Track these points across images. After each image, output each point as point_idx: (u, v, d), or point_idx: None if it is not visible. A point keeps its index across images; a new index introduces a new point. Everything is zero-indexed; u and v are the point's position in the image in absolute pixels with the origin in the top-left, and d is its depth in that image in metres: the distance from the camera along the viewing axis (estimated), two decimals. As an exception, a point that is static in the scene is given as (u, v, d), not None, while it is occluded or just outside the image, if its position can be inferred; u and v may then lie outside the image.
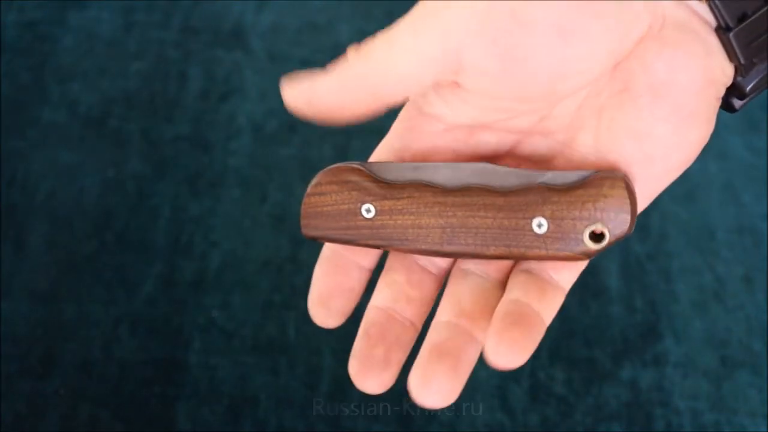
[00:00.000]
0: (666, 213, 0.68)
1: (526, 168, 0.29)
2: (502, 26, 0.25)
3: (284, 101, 0.27)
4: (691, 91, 0.26)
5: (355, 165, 0.29)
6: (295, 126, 0.72)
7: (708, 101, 0.26)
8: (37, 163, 0.69)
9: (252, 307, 0.63)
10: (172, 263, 0.64)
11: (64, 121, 0.72)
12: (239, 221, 0.67)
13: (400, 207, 0.28)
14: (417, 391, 0.27)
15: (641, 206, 0.28)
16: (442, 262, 0.30)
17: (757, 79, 0.26)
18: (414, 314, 0.29)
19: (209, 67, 0.75)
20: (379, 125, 0.31)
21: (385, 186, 0.28)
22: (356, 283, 0.30)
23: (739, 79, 0.26)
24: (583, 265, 0.29)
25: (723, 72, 0.26)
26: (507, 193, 0.27)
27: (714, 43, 0.26)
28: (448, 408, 0.59)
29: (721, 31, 0.25)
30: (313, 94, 0.26)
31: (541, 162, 0.29)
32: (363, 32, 0.84)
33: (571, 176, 0.27)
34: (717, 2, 0.25)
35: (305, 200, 0.29)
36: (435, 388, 0.27)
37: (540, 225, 0.27)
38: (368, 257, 0.30)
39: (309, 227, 0.29)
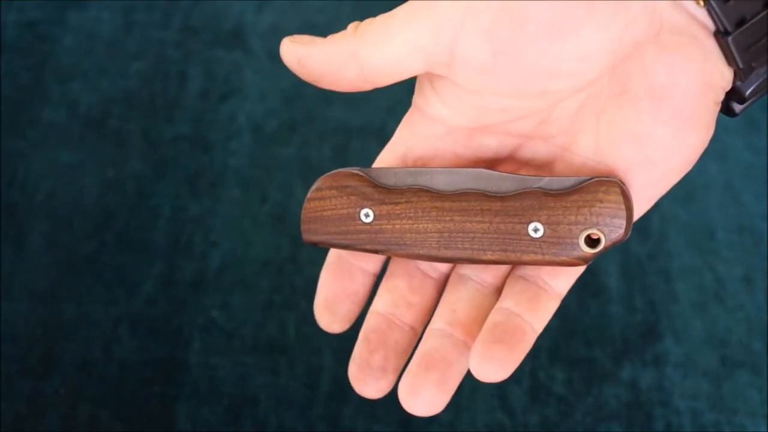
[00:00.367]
0: (666, 213, 0.68)
1: (527, 172, 0.29)
2: (494, 21, 0.25)
3: (281, 55, 0.28)
4: (690, 94, 0.26)
5: (354, 170, 0.29)
6: (295, 126, 0.72)
7: (707, 105, 0.26)
8: (37, 163, 0.69)
9: (252, 307, 0.63)
10: (172, 263, 0.64)
11: (64, 121, 0.72)
12: (239, 221, 0.67)
13: (398, 212, 0.28)
14: (405, 400, 0.28)
15: (641, 209, 0.28)
16: (443, 267, 0.30)
17: (756, 84, 0.26)
18: (414, 320, 0.30)
19: (209, 67, 0.75)
20: (378, 126, 0.31)
21: (383, 191, 0.28)
22: (361, 287, 0.30)
23: (738, 83, 0.27)
24: (579, 270, 0.29)
25: (722, 76, 0.26)
26: (503, 198, 0.27)
27: (712, 47, 0.26)
28: (448, 408, 0.59)
29: (720, 35, 0.25)
30: (306, 56, 0.27)
31: (542, 166, 0.29)
32: (363, 32, 0.84)
33: (568, 182, 0.27)
34: (715, 6, 0.25)
35: (305, 205, 0.30)
36: (423, 399, 0.28)
37: (536, 230, 0.27)
38: (373, 262, 0.30)
39: (309, 232, 0.29)
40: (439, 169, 0.29)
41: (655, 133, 0.26)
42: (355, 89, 0.28)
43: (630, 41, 0.26)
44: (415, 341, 0.30)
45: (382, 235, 0.29)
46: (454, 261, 0.29)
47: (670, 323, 0.63)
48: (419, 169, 0.29)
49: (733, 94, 0.27)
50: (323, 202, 0.29)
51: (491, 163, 0.30)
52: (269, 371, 0.60)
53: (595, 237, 0.27)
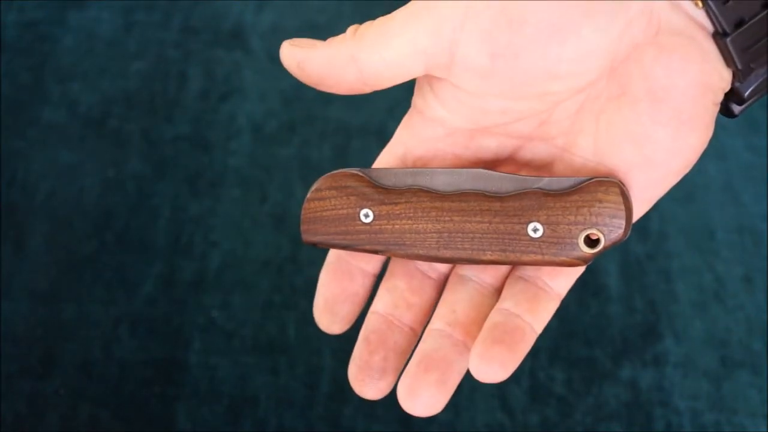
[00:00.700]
0: (666, 213, 0.68)
1: (527, 173, 0.29)
2: (493, 23, 0.25)
3: (281, 58, 0.28)
4: (689, 96, 0.26)
5: (354, 171, 0.29)
6: (295, 126, 0.72)
7: (706, 106, 0.26)
8: (37, 163, 0.69)
9: (252, 307, 0.63)
10: (172, 263, 0.64)
11: (64, 121, 0.72)
12: (239, 221, 0.67)
13: (397, 212, 0.28)
14: (405, 401, 0.28)
15: (641, 210, 0.28)
16: (443, 268, 0.30)
17: (755, 85, 0.26)
18: (413, 320, 0.30)
19: (209, 67, 0.75)
20: (378, 127, 0.31)
21: (383, 191, 0.28)
22: (361, 288, 0.30)
23: (737, 84, 0.27)
24: (579, 271, 0.29)
25: (720, 77, 0.26)
26: (503, 198, 0.27)
27: (711, 48, 0.25)
28: (448, 408, 0.59)
29: (719, 36, 0.25)
30: (306, 60, 0.27)
31: (542, 167, 0.29)
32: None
33: (567, 182, 0.27)
34: (714, 8, 0.25)
35: (305, 205, 0.30)
36: (422, 399, 0.28)
37: (536, 230, 0.27)
38: (372, 262, 0.30)
39: (309, 232, 0.30)
40: (438, 169, 0.29)
41: (655, 134, 0.26)
42: (354, 92, 0.28)
43: (629, 42, 0.26)
44: (415, 342, 0.30)
45: (381, 235, 0.29)
46: (454, 261, 0.29)
47: (669, 323, 0.63)
48: (419, 169, 0.29)
49: (732, 95, 0.27)
50: (323, 202, 0.29)
51: (491, 164, 0.30)
52: (269, 371, 0.60)
53: (594, 237, 0.27)
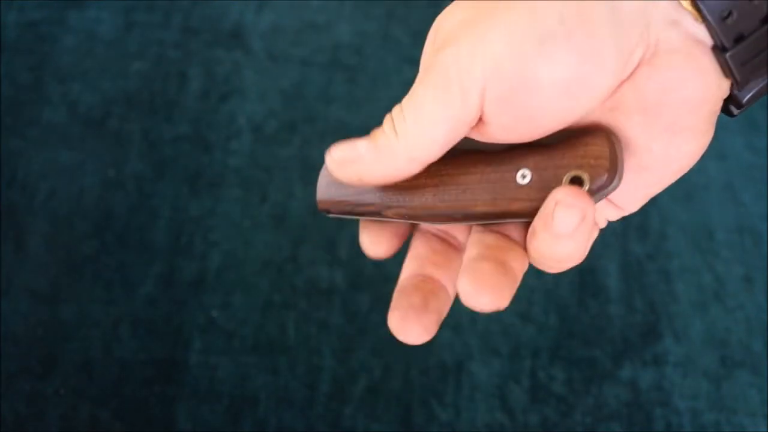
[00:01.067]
0: (666, 213, 0.68)
1: None
2: (511, 87, 0.26)
3: (336, 175, 0.29)
4: (684, 109, 0.26)
5: None
6: (295, 126, 0.72)
7: (703, 116, 0.26)
8: (37, 163, 0.69)
9: (252, 307, 0.63)
10: (172, 263, 0.64)
11: (64, 121, 0.72)
12: (239, 221, 0.67)
13: None
14: (397, 330, 0.30)
15: (637, 205, 0.29)
16: (461, 237, 0.31)
17: (753, 92, 0.27)
18: (443, 277, 0.31)
19: (209, 67, 0.75)
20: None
21: None
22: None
23: (736, 92, 0.27)
24: None
25: (719, 88, 0.26)
26: (495, 152, 0.28)
27: (709, 63, 0.26)
28: (448, 408, 0.59)
29: (718, 51, 0.25)
30: (365, 173, 0.28)
31: None
32: (363, 32, 0.85)
33: (557, 135, 0.28)
34: (714, 24, 0.25)
35: (322, 172, 0.31)
36: (411, 329, 0.30)
37: (524, 176, 0.27)
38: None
39: (323, 195, 0.31)
40: None
41: (649, 145, 0.27)
42: (408, 176, 0.29)
43: (628, 71, 0.26)
44: (450, 299, 0.31)
45: (383, 193, 0.30)
46: (449, 217, 0.29)
47: (669, 323, 0.63)
48: None
49: (730, 100, 0.27)
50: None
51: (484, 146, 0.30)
52: (269, 371, 0.60)
53: (578, 177, 0.27)
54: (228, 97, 0.73)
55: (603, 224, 0.31)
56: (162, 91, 0.74)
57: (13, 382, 0.59)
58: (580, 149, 0.27)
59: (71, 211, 0.67)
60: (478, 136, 0.28)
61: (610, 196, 0.28)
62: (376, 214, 0.30)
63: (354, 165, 0.28)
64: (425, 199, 0.29)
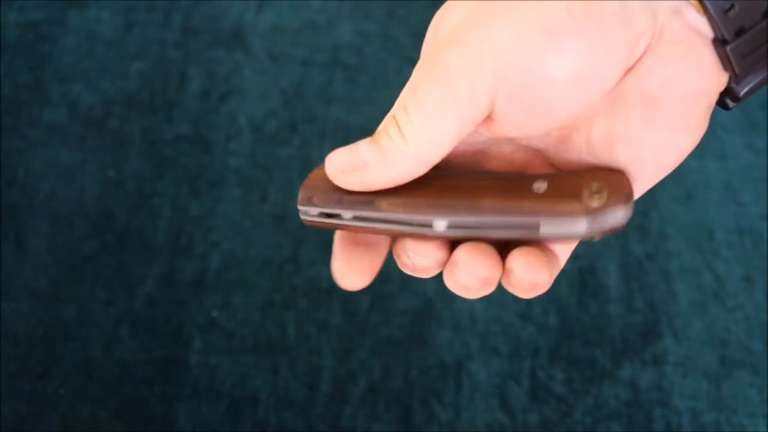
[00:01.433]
0: (665, 213, 0.68)
1: (522, 155, 0.30)
2: (521, 83, 0.25)
3: (340, 184, 0.28)
4: (684, 102, 0.26)
5: None
6: (295, 126, 0.72)
7: (700, 110, 0.26)
8: (37, 163, 0.69)
9: (252, 307, 0.63)
10: (172, 263, 0.64)
11: (64, 121, 0.72)
12: (239, 221, 0.67)
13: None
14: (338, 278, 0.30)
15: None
16: None
17: (750, 85, 0.27)
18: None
19: (209, 67, 0.75)
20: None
21: None
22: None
23: (733, 85, 0.27)
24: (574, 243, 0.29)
25: (717, 82, 0.26)
26: (506, 173, 0.28)
27: (709, 55, 0.26)
28: (448, 408, 0.59)
29: (718, 44, 0.25)
30: (372, 180, 0.27)
31: (535, 151, 0.30)
32: (363, 32, 0.85)
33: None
34: (715, 16, 0.25)
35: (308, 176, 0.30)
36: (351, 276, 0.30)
37: (539, 188, 0.27)
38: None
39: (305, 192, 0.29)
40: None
41: (647, 137, 0.27)
42: (415, 177, 0.28)
43: (635, 59, 0.26)
44: (384, 250, 0.31)
45: (378, 195, 0.28)
46: (451, 209, 0.27)
47: (669, 323, 0.63)
48: None
49: (727, 93, 0.27)
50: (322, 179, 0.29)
51: (485, 143, 0.30)
52: (269, 371, 0.60)
53: (597, 190, 0.26)
54: (228, 97, 0.73)
55: None
56: (162, 91, 0.74)
57: (13, 382, 0.59)
58: (599, 173, 0.27)
59: (71, 211, 0.67)
60: (486, 132, 0.28)
61: None
62: (368, 204, 0.28)
63: (358, 173, 0.27)
64: (428, 194, 0.28)
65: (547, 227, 0.26)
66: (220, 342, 0.61)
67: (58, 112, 0.72)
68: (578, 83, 0.25)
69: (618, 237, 0.67)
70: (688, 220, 0.67)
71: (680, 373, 0.61)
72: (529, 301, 0.63)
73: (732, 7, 0.25)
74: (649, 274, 0.65)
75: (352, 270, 0.30)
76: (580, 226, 0.26)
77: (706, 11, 0.25)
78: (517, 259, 0.26)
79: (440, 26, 0.27)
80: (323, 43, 0.77)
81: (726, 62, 0.26)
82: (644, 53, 0.26)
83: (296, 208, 0.30)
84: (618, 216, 0.26)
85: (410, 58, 0.75)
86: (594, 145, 0.28)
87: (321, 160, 0.29)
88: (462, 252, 0.27)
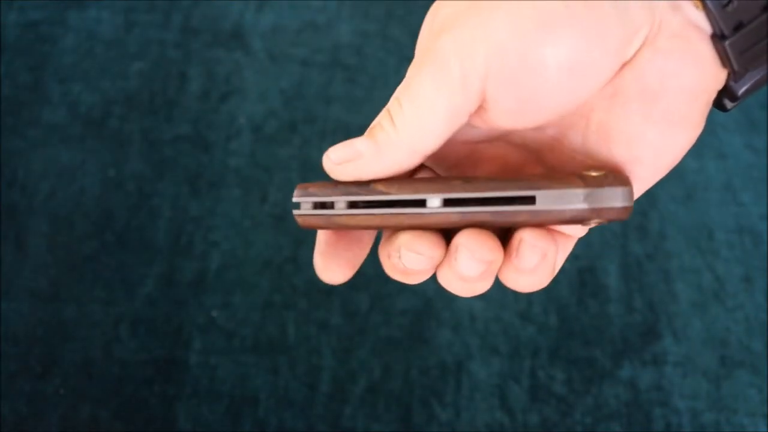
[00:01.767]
0: (665, 213, 0.68)
1: (516, 156, 0.30)
2: (515, 70, 0.25)
3: (334, 177, 0.28)
4: (682, 98, 0.26)
5: None
6: (295, 126, 0.72)
7: (698, 107, 0.26)
8: (37, 163, 0.69)
9: (252, 307, 0.63)
10: (172, 263, 0.64)
11: (64, 121, 0.72)
12: (239, 221, 0.67)
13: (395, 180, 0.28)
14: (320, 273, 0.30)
15: None
16: None
17: (749, 84, 0.27)
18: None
19: (209, 67, 0.75)
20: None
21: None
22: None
23: (732, 83, 0.27)
24: (583, 230, 0.29)
25: (715, 78, 0.26)
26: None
27: (707, 51, 0.26)
28: (448, 408, 0.59)
29: (717, 39, 0.25)
30: (366, 170, 0.28)
31: (531, 152, 0.30)
32: (363, 32, 0.85)
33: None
34: (714, 11, 0.25)
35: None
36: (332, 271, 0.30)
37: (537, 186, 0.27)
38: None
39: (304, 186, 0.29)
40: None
41: (645, 134, 0.27)
42: (411, 168, 0.28)
43: (632, 52, 0.26)
44: (367, 245, 0.31)
45: (373, 186, 0.28)
46: (448, 185, 0.27)
47: (669, 323, 0.63)
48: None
49: (725, 92, 0.27)
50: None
51: (480, 144, 0.30)
52: (269, 371, 0.60)
53: (597, 173, 0.26)
54: (228, 97, 0.73)
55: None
56: (162, 91, 0.74)
57: (13, 382, 0.59)
58: (599, 166, 0.27)
59: (71, 211, 0.67)
60: (480, 123, 0.28)
61: None
62: (363, 187, 0.28)
63: (353, 164, 0.28)
64: (422, 176, 0.28)
65: (543, 201, 0.26)
66: (220, 342, 0.61)
67: (58, 112, 0.72)
68: (572, 71, 0.25)
69: (618, 237, 0.67)
70: (688, 220, 0.67)
71: (680, 373, 0.61)
72: (529, 301, 0.63)
73: (730, 1, 0.25)
74: (649, 274, 0.65)
75: (333, 264, 0.30)
76: (578, 200, 0.26)
77: (704, 6, 0.25)
78: (524, 232, 0.26)
79: (436, 18, 0.27)
80: (323, 43, 0.77)
81: (724, 58, 0.25)
82: (642, 46, 0.26)
83: (292, 207, 0.30)
84: (617, 196, 0.26)
85: (410, 58, 0.75)
86: (590, 143, 0.28)
87: (321, 160, 0.29)
88: (462, 236, 0.26)
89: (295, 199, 0.29)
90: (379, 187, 0.28)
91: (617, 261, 0.65)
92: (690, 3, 0.25)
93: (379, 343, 0.61)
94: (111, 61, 0.76)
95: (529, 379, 0.60)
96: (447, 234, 0.28)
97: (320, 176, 0.30)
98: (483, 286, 0.27)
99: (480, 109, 0.27)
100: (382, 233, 0.30)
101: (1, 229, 0.66)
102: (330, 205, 0.29)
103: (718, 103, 0.28)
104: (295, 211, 0.29)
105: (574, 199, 0.26)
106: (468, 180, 0.27)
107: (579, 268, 0.65)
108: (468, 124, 0.28)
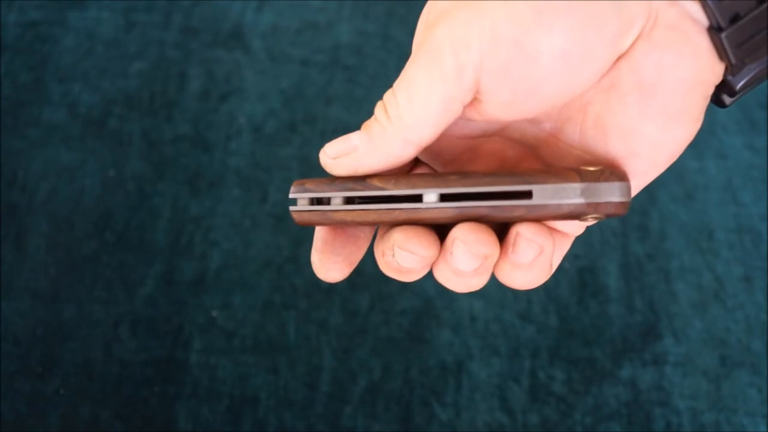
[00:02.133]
0: (665, 213, 0.68)
1: (513, 152, 0.30)
2: (509, 59, 0.25)
3: (331, 172, 0.28)
4: (679, 91, 0.26)
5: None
6: (295, 126, 0.72)
7: (696, 101, 0.26)
8: (37, 163, 0.69)
9: (252, 307, 0.63)
10: (172, 263, 0.64)
11: (64, 121, 0.72)
12: (239, 221, 0.67)
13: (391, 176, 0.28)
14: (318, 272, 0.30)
15: None
16: None
17: (747, 78, 0.26)
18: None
19: (209, 67, 0.75)
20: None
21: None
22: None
23: (729, 77, 0.26)
24: (581, 227, 0.29)
25: (712, 72, 0.26)
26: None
27: (704, 43, 0.25)
28: (448, 408, 0.59)
29: (713, 31, 0.25)
30: (360, 163, 0.28)
31: (528, 148, 0.30)
32: (363, 32, 0.85)
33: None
34: (710, 2, 0.25)
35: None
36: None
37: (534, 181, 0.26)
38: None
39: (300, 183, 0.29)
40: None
41: (642, 128, 0.26)
42: (408, 160, 0.28)
43: (628, 43, 0.26)
44: (364, 243, 0.31)
45: (368, 181, 0.28)
46: (444, 180, 0.27)
47: (669, 323, 0.63)
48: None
49: (723, 87, 0.27)
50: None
51: (477, 139, 0.30)
52: (269, 371, 0.60)
53: (593, 168, 0.26)
54: (228, 97, 0.73)
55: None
56: (162, 91, 0.74)
57: (13, 382, 0.59)
58: (596, 162, 0.26)
59: (71, 211, 0.67)
60: (476, 116, 0.27)
61: None
62: (359, 182, 0.28)
63: (349, 157, 0.28)
64: (416, 172, 0.27)
65: (540, 195, 0.26)
66: (220, 342, 0.61)
67: (58, 112, 0.72)
68: (567, 60, 0.25)
69: (618, 237, 0.67)
70: (688, 220, 0.67)
71: (680, 373, 0.61)
72: (529, 301, 0.63)
73: None
74: (649, 274, 0.65)
75: (330, 262, 0.30)
76: (575, 195, 0.25)
77: None
78: (521, 226, 0.26)
79: (431, 11, 0.27)
80: (323, 43, 0.77)
81: (721, 50, 0.25)
82: (638, 39, 0.26)
83: (288, 203, 0.30)
84: (614, 190, 0.25)
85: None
86: (587, 137, 0.28)
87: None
88: (459, 230, 0.26)
89: (291, 195, 0.29)
90: (376, 182, 0.27)
91: (617, 261, 0.65)
92: None
93: (379, 343, 0.61)
94: (111, 61, 0.76)
95: (529, 379, 0.60)
96: (443, 230, 0.28)
97: (320, 176, 0.30)
98: (479, 282, 0.27)
99: (475, 100, 0.26)
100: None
101: (1, 229, 0.66)
102: (326, 201, 0.29)
103: (716, 99, 0.28)
104: (292, 208, 0.29)
105: (571, 193, 0.25)
106: (464, 175, 0.27)
107: (579, 268, 0.65)
108: (464, 118, 0.28)
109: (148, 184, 0.68)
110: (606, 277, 0.64)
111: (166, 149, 0.70)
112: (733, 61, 0.25)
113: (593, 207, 0.25)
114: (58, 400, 0.58)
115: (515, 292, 0.63)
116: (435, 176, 0.27)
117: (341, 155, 0.28)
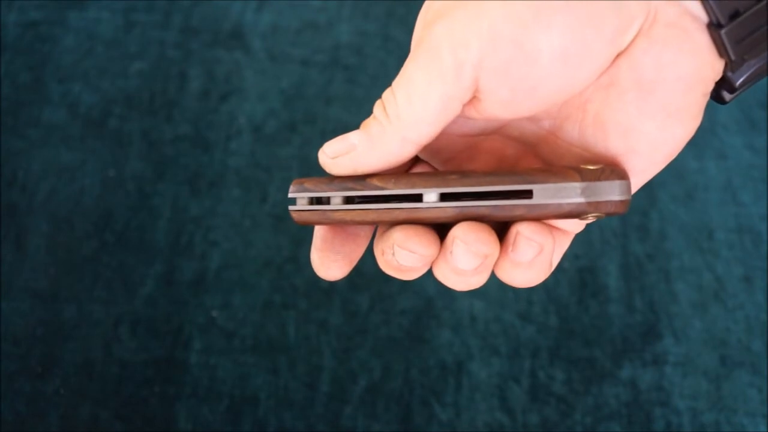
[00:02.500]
0: (665, 213, 0.68)
1: (512, 151, 0.29)
2: (508, 57, 0.25)
3: (331, 172, 0.28)
4: (678, 88, 0.26)
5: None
6: (295, 126, 0.72)
7: (695, 99, 0.26)
8: (37, 163, 0.69)
9: (252, 307, 0.63)
10: (172, 263, 0.64)
11: (64, 121, 0.72)
12: (239, 221, 0.67)
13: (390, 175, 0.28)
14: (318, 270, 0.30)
15: None
16: None
17: (747, 74, 0.26)
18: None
19: (209, 67, 0.75)
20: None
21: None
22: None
23: (729, 74, 0.26)
24: (581, 225, 0.29)
25: (712, 68, 0.26)
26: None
27: (704, 40, 0.25)
28: (448, 408, 0.59)
29: (713, 28, 0.25)
30: (359, 163, 0.28)
31: (527, 146, 0.29)
32: (363, 32, 0.85)
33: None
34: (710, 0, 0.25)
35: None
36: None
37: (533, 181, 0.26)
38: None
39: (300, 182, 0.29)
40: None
41: (641, 125, 0.26)
42: (407, 159, 0.28)
43: (627, 41, 0.26)
44: (363, 242, 0.31)
45: (368, 180, 0.28)
46: (444, 179, 0.27)
47: (669, 323, 0.63)
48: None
49: (723, 84, 0.27)
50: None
51: (476, 138, 0.30)
52: (269, 371, 0.60)
53: (594, 167, 0.26)
54: (228, 97, 0.73)
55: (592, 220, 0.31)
56: (162, 91, 0.74)
57: (13, 382, 0.59)
58: (596, 160, 0.26)
59: (71, 211, 0.67)
60: (475, 114, 0.27)
61: None
62: (359, 181, 0.28)
63: (348, 156, 0.28)
64: (415, 171, 0.27)
65: (540, 195, 0.26)
66: (220, 342, 0.61)
67: (58, 112, 0.72)
68: (566, 59, 0.25)
69: (618, 237, 0.67)
70: (688, 220, 0.67)
71: (680, 373, 0.61)
72: (529, 301, 0.63)
73: None
74: (649, 274, 0.65)
75: (330, 260, 0.30)
76: (575, 193, 0.25)
77: None
78: (521, 225, 0.26)
79: (430, 10, 0.27)
80: (323, 43, 0.77)
81: (721, 47, 0.25)
82: (638, 36, 0.25)
83: (288, 203, 0.30)
84: (614, 189, 0.25)
85: (410, 58, 0.75)
86: (587, 135, 0.28)
87: (319, 159, 0.29)
88: (459, 228, 0.26)
89: (290, 195, 0.29)
90: (375, 181, 0.27)
91: (617, 261, 0.65)
92: None
93: (379, 343, 0.61)
94: (111, 61, 0.76)
95: (529, 379, 0.60)
96: (443, 228, 0.27)
97: (320, 175, 0.30)
98: (479, 280, 0.27)
99: (474, 99, 0.26)
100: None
101: (1, 229, 0.66)
102: (326, 201, 0.29)
103: (716, 96, 0.28)
104: (291, 207, 0.29)
105: (571, 192, 0.25)
106: (464, 174, 0.26)
107: (579, 268, 0.65)
108: (463, 116, 0.28)
109: (148, 184, 0.68)
110: (606, 277, 0.64)
111: (166, 149, 0.70)
112: (733, 57, 0.25)
113: (594, 206, 0.25)
114: (58, 400, 0.58)
115: (515, 292, 0.63)
116: (435, 176, 0.27)
117: (340, 154, 0.28)
